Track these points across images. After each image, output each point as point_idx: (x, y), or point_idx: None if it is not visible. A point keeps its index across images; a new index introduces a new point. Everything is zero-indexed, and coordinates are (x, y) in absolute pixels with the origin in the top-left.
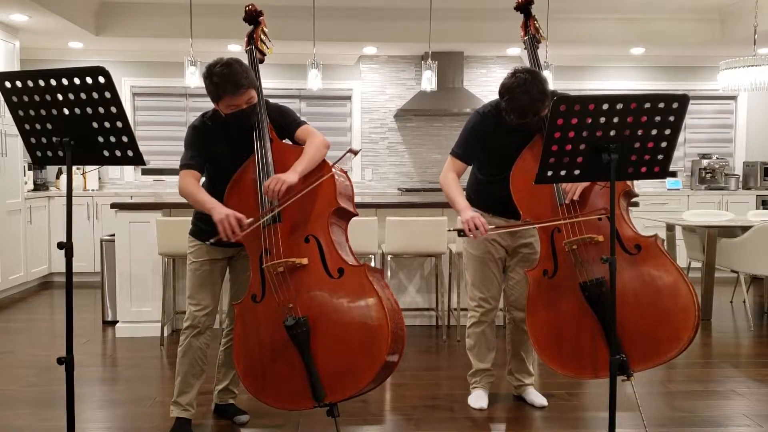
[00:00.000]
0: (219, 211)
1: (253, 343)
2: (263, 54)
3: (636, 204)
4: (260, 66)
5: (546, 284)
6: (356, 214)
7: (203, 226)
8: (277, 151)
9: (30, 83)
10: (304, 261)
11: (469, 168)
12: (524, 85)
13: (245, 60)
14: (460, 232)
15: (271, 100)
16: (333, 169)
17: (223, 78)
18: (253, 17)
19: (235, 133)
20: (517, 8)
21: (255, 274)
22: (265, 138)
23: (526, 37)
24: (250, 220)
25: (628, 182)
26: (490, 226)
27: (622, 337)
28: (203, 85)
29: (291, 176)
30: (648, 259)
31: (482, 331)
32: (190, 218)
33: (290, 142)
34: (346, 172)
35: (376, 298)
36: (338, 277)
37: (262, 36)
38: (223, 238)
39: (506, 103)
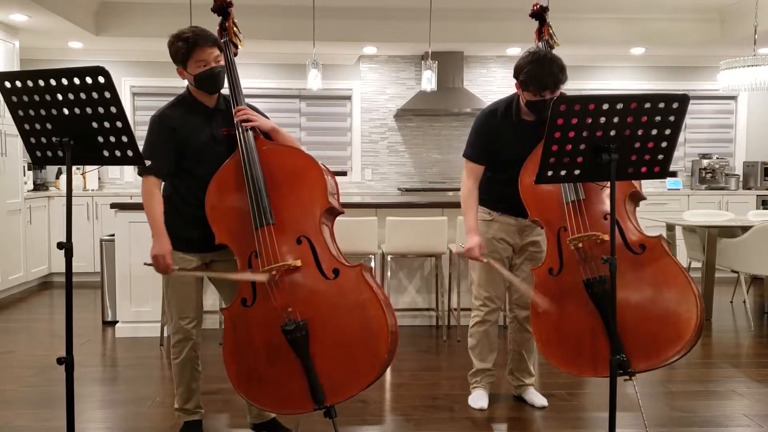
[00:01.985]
0: (157, 247)
1: (245, 348)
2: (236, 47)
3: (636, 204)
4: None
5: (551, 282)
6: (342, 212)
7: (179, 233)
8: (262, 146)
9: (30, 83)
10: (298, 263)
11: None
12: (543, 59)
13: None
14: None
15: (271, 100)
16: (321, 166)
17: (191, 33)
18: (222, 7)
19: (206, 119)
20: (532, 15)
21: None
22: (248, 133)
23: (540, 43)
24: (176, 268)
25: (635, 184)
26: (493, 262)
27: (624, 336)
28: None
29: (265, 122)
30: (652, 260)
31: (485, 331)
32: None
33: None
34: (329, 169)
35: (374, 298)
36: (334, 278)
37: (234, 28)
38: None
39: (524, 76)
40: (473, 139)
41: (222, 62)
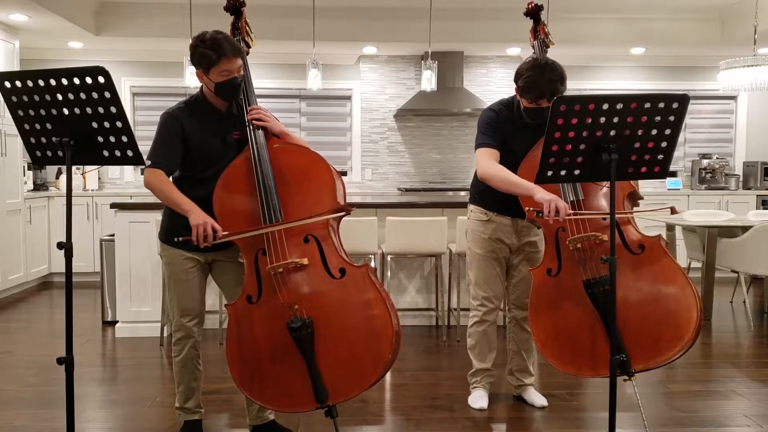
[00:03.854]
0: (196, 215)
1: (248, 345)
2: (248, 46)
3: (636, 204)
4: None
5: (549, 283)
6: (349, 213)
7: (183, 233)
8: (272, 144)
9: (30, 83)
10: (305, 261)
11: (474, 168)
12: (543, 67)
13: None
14: (539, 213)
15: (271, 100)
16: (329, 164)
17: (219, 41)
18: (235, 7)
19: (219, 121)
20: (527, 14)
21: (250, 274)
22: (259, 131)
23: (535, 42)
24: (225, 233)
25: (633, 184)
26: (570, 211)
27: (624, 336)
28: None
29: (277, 124)
30: (651, 260)
31: (484, 331)
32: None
33: None
34: (338, 172)
35: (379, 299)
36: (340, 278)
37: (247, 27)
38: (193, 243)
39: (523, 82)
40: (486, 130)
41: (242, 71)
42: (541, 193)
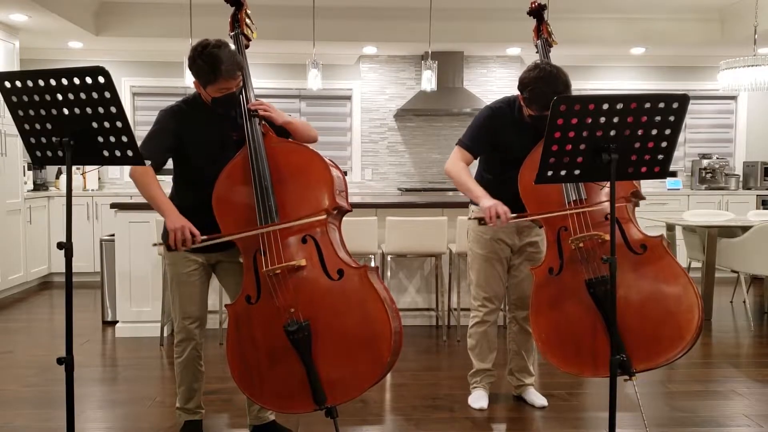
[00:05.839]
0: (173, 218)
1: (248, 346)
2: (248, 39)
3: (636, 204)
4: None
5: (551, 282)
6: (350, 210)
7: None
8: (270, 143)
9: (30, 83)
10: (303, 262)
11: (474, 168)
12: (549, 77)
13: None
14: (481, 221)
15: (271, 100)
16: (328, 162)
17: (218, 59)
18: None
19: (218, 123)
20: (530, 13)
21: (249, 274)
22: (256, 129)
23: (538, 41)
24: (204, 237)
25: (635, 183)
26: (512, 214)
27: (625, 336)
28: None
29: (279, 113)
30: (653, 260)
31: (484, 331)
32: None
33: None
34: (338, 167)
35: (378, 300)
36: (338, 279)
37: (247, 19)
38: (171, 247)
39: (529, 93)
40: (474, 131)
41: (241, 82)
42: (483, 201)
